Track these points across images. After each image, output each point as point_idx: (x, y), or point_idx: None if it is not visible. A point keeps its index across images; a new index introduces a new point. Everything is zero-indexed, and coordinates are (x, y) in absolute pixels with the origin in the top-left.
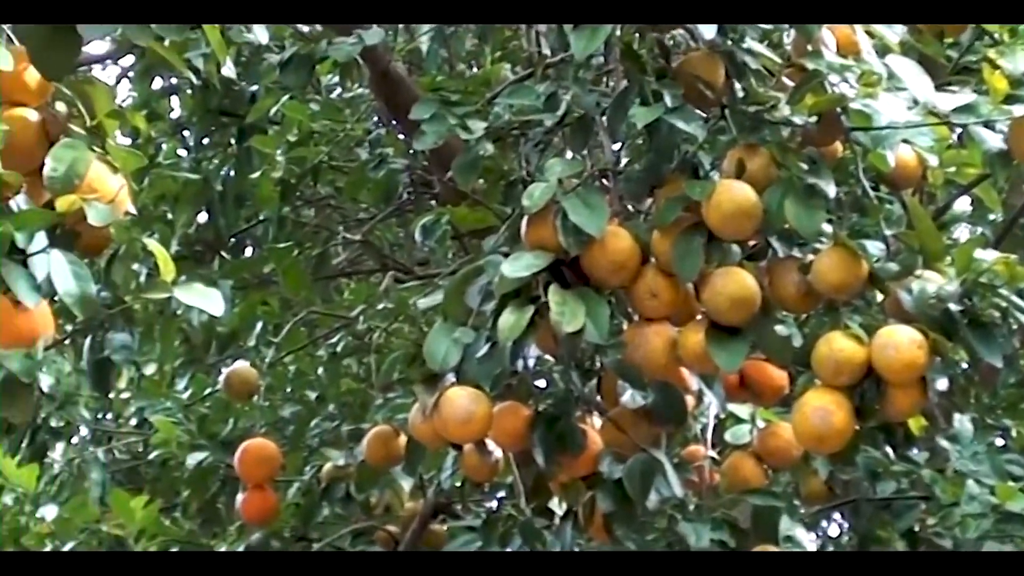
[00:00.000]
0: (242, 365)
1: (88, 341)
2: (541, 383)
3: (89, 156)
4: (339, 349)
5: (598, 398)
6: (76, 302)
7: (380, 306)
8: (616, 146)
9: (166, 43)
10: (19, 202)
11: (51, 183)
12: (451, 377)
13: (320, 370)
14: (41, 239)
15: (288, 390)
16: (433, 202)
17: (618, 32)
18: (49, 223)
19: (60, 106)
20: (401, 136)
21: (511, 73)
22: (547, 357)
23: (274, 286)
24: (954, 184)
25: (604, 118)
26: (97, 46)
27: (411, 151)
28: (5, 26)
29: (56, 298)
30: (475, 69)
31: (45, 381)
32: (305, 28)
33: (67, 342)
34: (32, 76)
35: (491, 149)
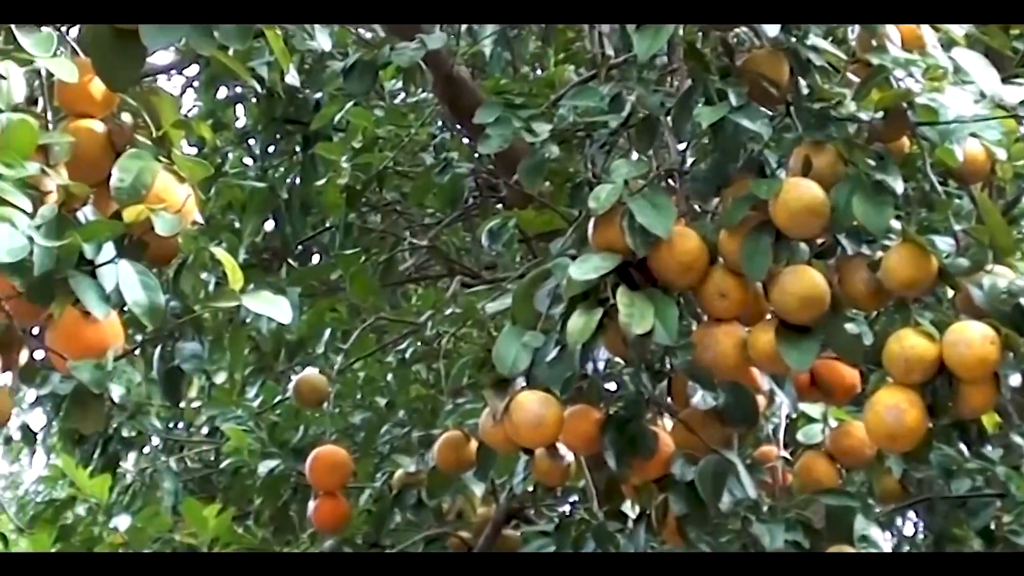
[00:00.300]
0: (311, 372)
1: (158, 351)
2: (611, 386)
3: (156, 166)
4: (408, 355)
5: (668, 400)
6: (145, 312)
7: (448, 311)
8: (682, 146)
9: (230, 52)
10: (86, 213)
11: (118, 194)
12: (521, 381)
13: (389, 376)
14: (109, 250)
15: (358, 397)
16: (499, 206)
17: (681, 31)
18: (117, 234)
19: (126, 117)
20: (466, 140)
21: (575, 75)
22: (617, 359)
23: (342, 293)
24: (1023, 177)
25: (669, 118)
26: (161, 56)
27: (476, 155)
28: (70, 37)
29: (125, 308)
30: (539, 71)
31: (116, 391)
32: (367, 34)
33: (137, 352)
34: (97, 87)
35: (556, 151)
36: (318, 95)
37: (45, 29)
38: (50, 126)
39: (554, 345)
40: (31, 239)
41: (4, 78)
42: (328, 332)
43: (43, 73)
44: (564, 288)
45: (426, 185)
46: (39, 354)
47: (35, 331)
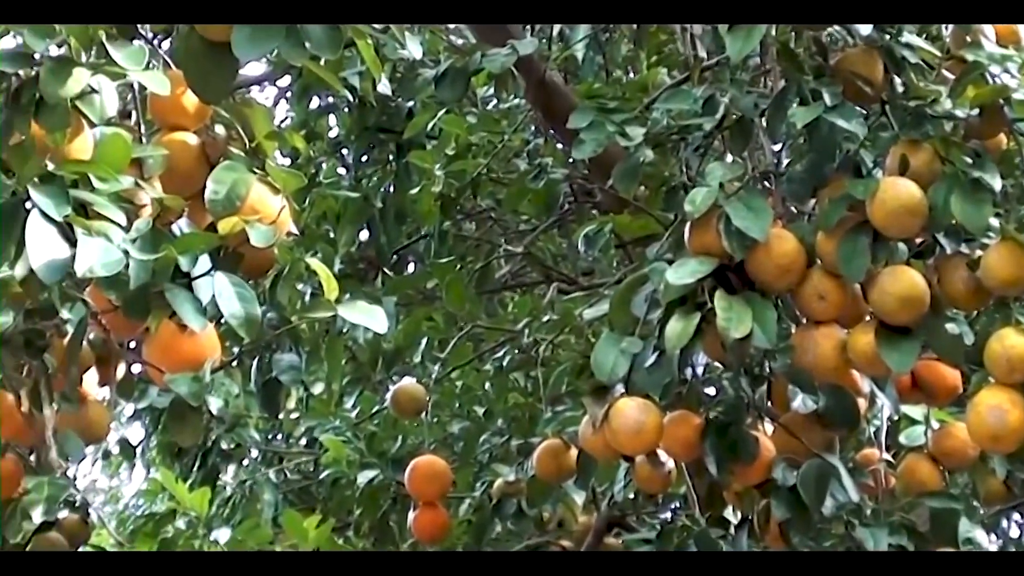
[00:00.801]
0: (409, 382)
1: (255, 362)
2: (711, 391)
3: (250, 178)
4: (505, 363)
5: (768, 404)
6: (242, 324)
7: (545, 318)
8: (776, 147)
9: (322, 62)
10: (181, 226)
11: (213, 206)
12: (620, 388)
13: (487, 385)
14: (205, 262)
15: (456, 406)
16: (595, 211)
17: (773, 32)
18: (212, 246)
19: (219, 129)
20: (560, 145)
21: (668, 77)
22: (716, 364)
23: (438, 301)
24: None
25: (763, 119)
26: (254, 68)
27: (570, 160)
28: (162, 51)
29: (222, 321)
30: (632, 74)
31: (214, 404)
32: (459, 41)
33: (234, 364)
34: (190, 100)
35: (651, 155)
36: (410, 103)
37: (137, 43)
38: (143, 139)
39: (652, 351)
40: (126, 253)
41: (97, 92)
42: (425, 341)
43: (136, 87)
44: (661, 293)
45: (521, 191)
46: (136, 368)
47: (132, 345)
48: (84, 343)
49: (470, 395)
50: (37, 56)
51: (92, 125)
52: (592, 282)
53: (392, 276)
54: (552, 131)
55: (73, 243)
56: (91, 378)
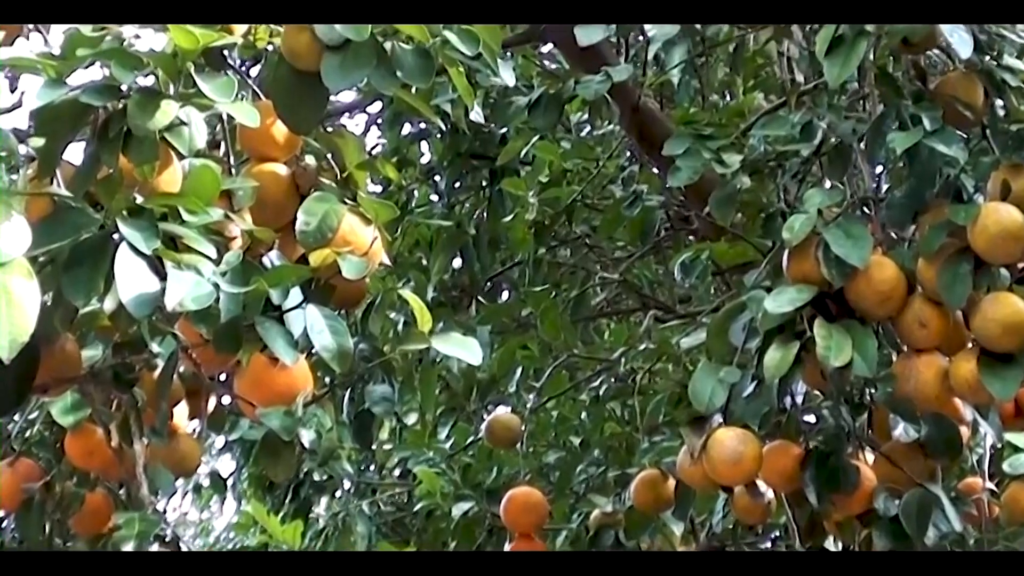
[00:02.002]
0: (504, 412)
1: (348, 394)
2: (810, 420)
3: (341, 208)
4: (602, 392)
5: (869, 433)
6: (334, 356)
7: (642, 347)
8: (876, 173)
9: (413, 90)
10: (272, 258)
11: (304, 237)
12: (718, 418)
13: (583, 414)
14: (296, 295)
15: (551, 436)
16: (691, 238)
17: (871, 56)
18: (303, 278)
19: (309, 159)
20: (655, 171)
21: (765, 102)
22: (815, 393)
23: (533, 330)
24: None
25: (862, 145)
26: (344, 95)
27: (666, 187)
28: (251, 81)
29: (313, 353)
30: (728, 99)
31: (306, 437)
32: (552, 66)
33: (327, 396)
34: (280, 131)
35: (748, 182)
36: (503, 130)
37: (226, 73)
38: (233, 171)
39: (751, 380)
40: (217, 286)
41: (185, 124)
42: (520, 370)
43: (225, 118)
44: (760, 321)
45: (616, 218)
46: (227, 400)
47: (223, 378)
48: (174, 377)
49: (566, 425)
50: (124, 88)
51: (181, 157)
52: (689, 310)
53: (486, 304)
54: (647, 158)
55: (163, 277)
56: (181, 411)
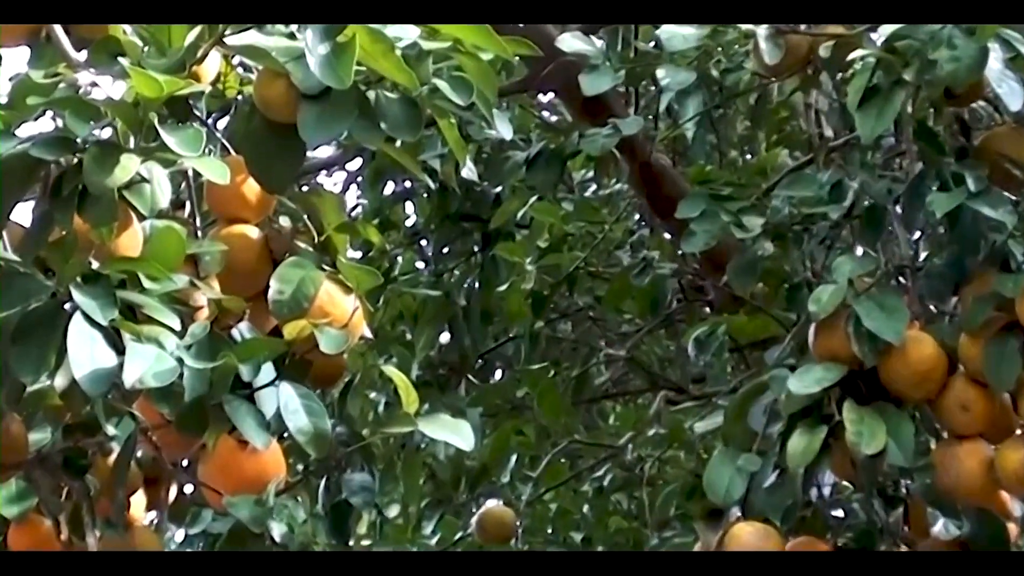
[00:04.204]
0: (497, 504)
1: (323, 483)
2: (839, 514)
3: (319, 276)
4: (606, 483)
5: (905, 529)
6: (309, 440)
7: (651, 432)
8: (913, 238)
9: (398, 144)
10: (243, 330)
11: (277, 307)
12: (736, 511)
13: (585, 508)
14: (269, 371)
15: (550, 531)
16: (707, 310)
17: (909, 108)
18: (277, 353)
19: (284, 221)
20: (667, 236)
21: (790, 159)
22: (845, 484)
23: (529, 413)
24: None
25: (898, 207)
26: (320, 151)
27: (680, 253)
28: (218, 133)
29: (287, 436)
30: (748, 156)
31: (277, 530)
32: (552, 118)
33: (300, 484)
34: (251, 189)
35: (770, 248)
36: (498, 189)
37: (193, 125)
38: (199, 233)
39: (773, 469)
40: (180, 361)
41: (147, 181)
42: (514, 458)
43: (191, 174)
44: (783, 404)
45: (623, 288)
46: (190, 488)
47: (185, 464)
48: (132, 462)
49: (566, 519)
50: (79, 141)
51: (142, 218)
52: (704, 391)
53: (477, 384)
54: (659, 220)
55: (121, 351)
56: (139, 501)
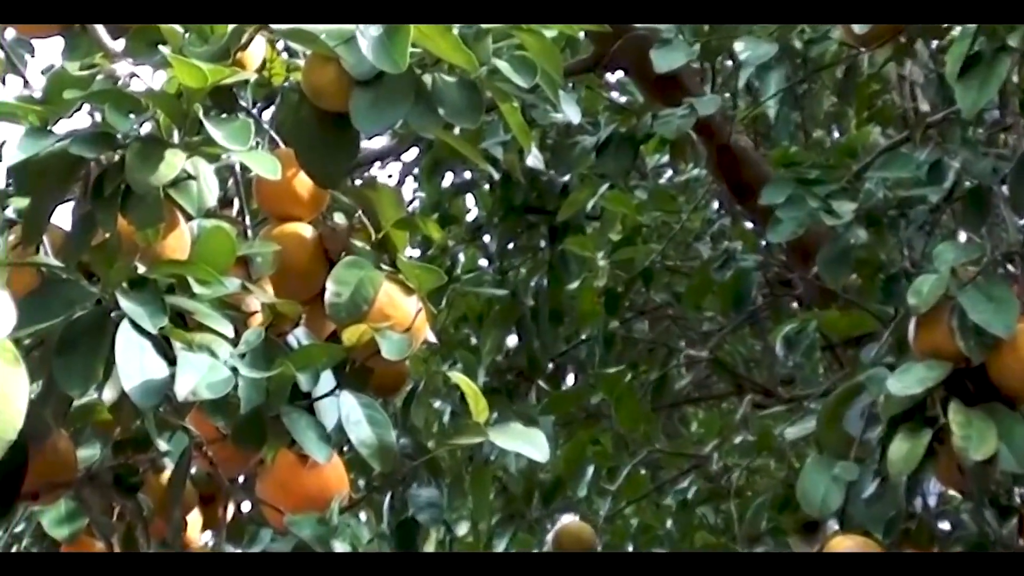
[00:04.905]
0: (573, 520)
1: (388, 499)
2: (945, 526)
3: (377, 276)
4: (690, 495)
5: (1020, 541)
6: (373, 453)
7: (738, 439)
8: (1022, 222)
9: (456, 131)
10: (299, 336)
11: (335, 311)
12: (833, 524)
13: (668, 522)
14: (328, 379)
15: (631, 549)
16: (795, 305)
17: (1015, 77)
18: (336, 360)
19: (338, 218)
20: (750, 225)
21: (882, 137)
22: (952, 493)
23: (605, 420)
24: None
25: (1004, 187)
26: (373, 141)
27: (764, 244)
28: (265, 124)
29: (348, 449)
30: (837, 135)
31: (340, 549)
32: (622, 98)
33: (364, 501)
34: (303, 184)
35: (864, 236)
36: (566, 178)
37: (239, 116)
38: (250, 233)
39: (872, 477)
40: (235, 370)
41: (194, 178)
42: (591, 470)
43: (238, 169)
44: (881, 406)
45: (704, 283)
46: (248, 506)
47: (243, 480)
48: (187, 479)
49: (648, 535)
50: (120, 136)
51: (189, 218)
52: (794, 393)
53: (548, 391)
54: (740, 208)
55: (171, 360)
56: (194, 520)
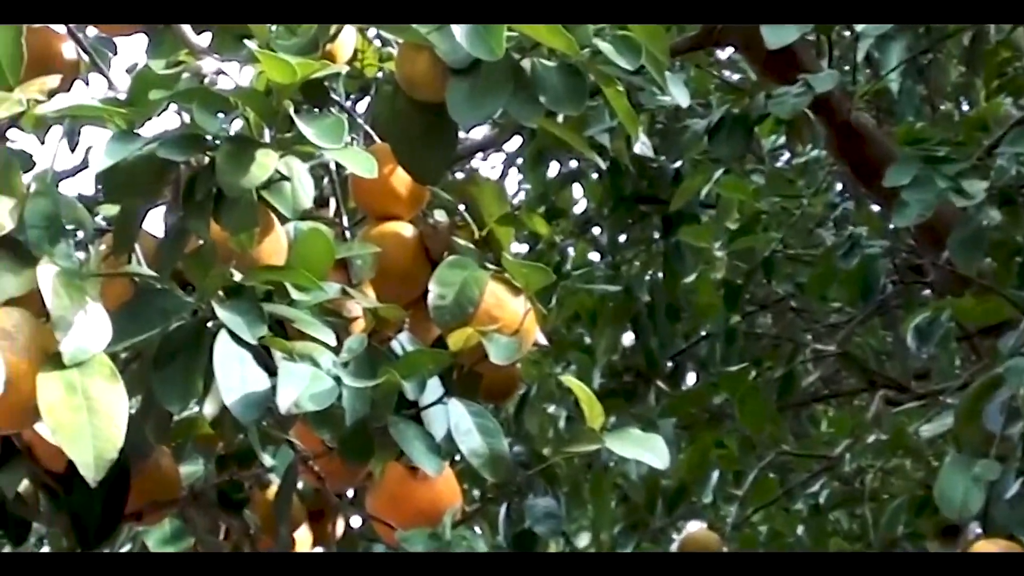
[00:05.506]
0: (699, 528)
1: (504, 510)
2: None
3: (483, 276)
4: (822, 499)
5: None
6: (485, 463)
7: (871, 438)
8: None
9: (560, 119)
10: (403, 342)
11: (439, 314)
12: (976, 527)
13: (800, 529)
14: (435, 387)
15: None
16: (927, 293)
17: None
18: (443, 366)
19: (439, 215)
20: (875, 209)
21: (1015, 109)
22: None
23: (729, 421)
24: None
25: None
26: (473, 132)
27: (891, 228)
28: (359, 119)
29: (459, 459)
30: (965, 108)
31: None
32: (733, 76)
33: (479, 513)
34: (402, 180)
35: (998, 217)
36: (677, 164)
37: (332, 111)
38: (348, 234)
39: (1016, 476)
40: (339, 380)
41: (288, 179)
42: (716, 474)
43: (333, 168)
44: (1023, 399)
45: (828, 272)
46: (358, 522)
47: (352, 495)
48: (293, 495)
49: (779, 543)
50: (209, 137)
51: (284, 220)
52: (929, 388)
53: (668, 392)
54: (864, 190)
55: (272, 371)
56: (303, 537)
